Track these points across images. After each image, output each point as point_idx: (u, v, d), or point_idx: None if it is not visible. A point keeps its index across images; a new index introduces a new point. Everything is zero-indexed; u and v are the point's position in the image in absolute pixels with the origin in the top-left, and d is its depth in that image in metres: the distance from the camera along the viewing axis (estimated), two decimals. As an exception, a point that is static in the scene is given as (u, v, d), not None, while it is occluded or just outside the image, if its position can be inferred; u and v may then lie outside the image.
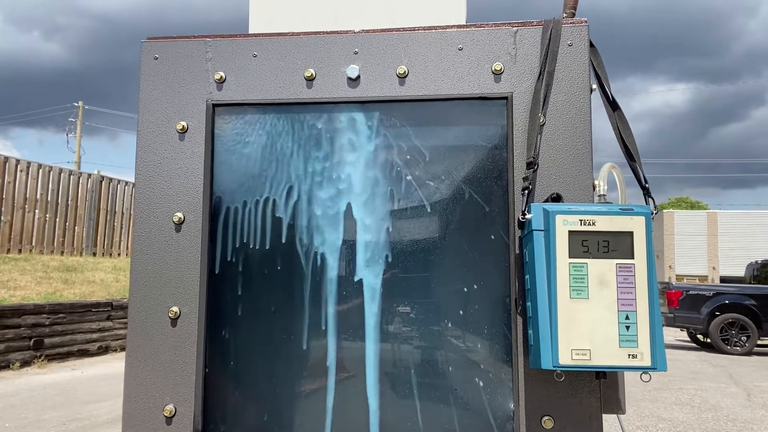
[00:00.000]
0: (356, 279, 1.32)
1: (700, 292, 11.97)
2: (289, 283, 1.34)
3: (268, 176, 1.37)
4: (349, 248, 1.32)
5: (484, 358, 1.27)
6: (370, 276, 1.31)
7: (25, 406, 5.64)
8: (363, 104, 1.34)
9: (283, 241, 1.34)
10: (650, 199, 1.20)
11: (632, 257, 1.11)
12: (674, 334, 15.06)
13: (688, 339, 13.38)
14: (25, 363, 7.60)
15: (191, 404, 1.29)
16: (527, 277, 1.19)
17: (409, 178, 1.33)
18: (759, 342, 11.76)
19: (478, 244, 1.30)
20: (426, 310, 1.30)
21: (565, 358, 1.10)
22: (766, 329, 11.47)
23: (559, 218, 1.12)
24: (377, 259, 1.32)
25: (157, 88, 1.38)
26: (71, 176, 13.37)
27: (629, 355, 1.09)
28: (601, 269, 1.11)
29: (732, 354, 11.34)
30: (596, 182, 1.27)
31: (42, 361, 7.75)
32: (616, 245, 1.12)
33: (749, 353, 11.46)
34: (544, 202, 1.22)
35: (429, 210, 1.32)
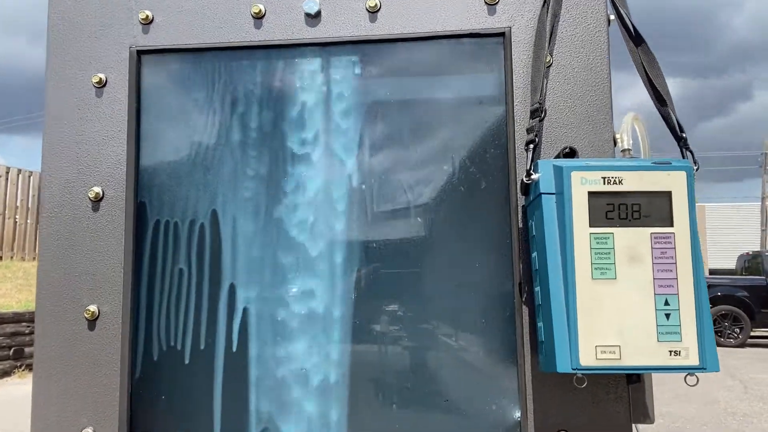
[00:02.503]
0: (322, 264, 1.05)
1: (693, 285, 11.77)
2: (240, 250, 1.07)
3: (207, 140, 1.10)
4: (311, 227, 1.06)
5: (480, 360, 1.02)
6: (343, 262, 1.05)
7: (4, 417, 5.32)
8: (324, 47, 1.08)
9: (229, 218, 1.07)
10: (688, 153, 0.95)
11: (671, 224, 0.86)
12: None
13: (681, 332, 13.21)
14: (5, 373, 7.25)
15: (114, 428, 1.02)
16: (534, 255, 0.93)
17: (382, 139, 1.07)
18: (752, 333, 11.64)
19: (470, 218, 1.04)
20: (407, 304, 1.04)
21: (588, 358, 0.84)
22: (759, 321, 11.35)
23: (575, 176, 0.86)
24: (347, 242, 1.05)
25: (69, 33, 1.11)
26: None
27: (671, 351, 0.84)
28: (632, 241, 0.86)
29: (725, 346, 11.20)
30: (617, 136, 1.01)
31: (22, 371, 7.40)
32: (650, 209, 0.86)
33: (743, 345, 11.33)
34: (555, 158, 0.96)
35: (409, 179, 1.06)
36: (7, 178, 11.79)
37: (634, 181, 0.86)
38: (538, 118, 0.95)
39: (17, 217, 12.02)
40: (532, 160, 0.94)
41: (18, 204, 12.11)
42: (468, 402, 1.01)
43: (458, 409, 1.01)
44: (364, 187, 1.06)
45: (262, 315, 1.05)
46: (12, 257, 11.71)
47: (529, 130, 0.95)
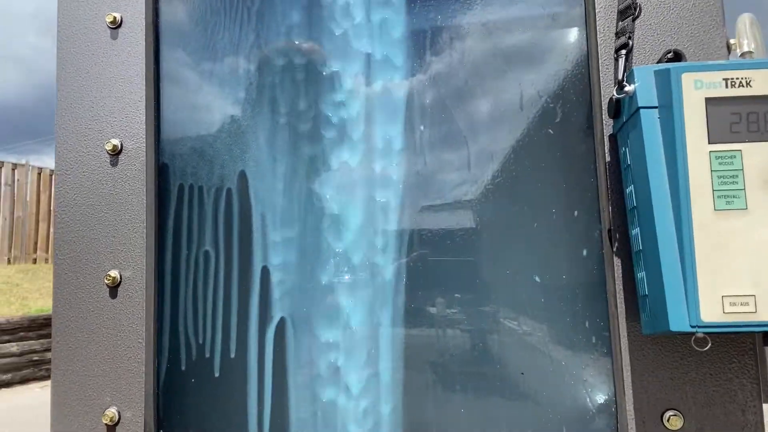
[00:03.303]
0: (371, 228, 0.90)
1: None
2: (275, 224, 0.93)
3: (238, 85, 0.96)
4: (359, 188, 0.91)
5: (561, 325, 0.83)
6: (396, 220, 0.89)
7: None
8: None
9: (267, 175, 0.94)
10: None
11: (820, 136, 0.65)
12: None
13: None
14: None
15: (141, 406, 0.90)
16: (630, 190, 0.74)
17: (437, 73, 0.90)
18: None
19: (544, 155, 0.85)
20: (473, 262, 0.86)
21: (712, 312, 0.64)
22: None
23: (687, 79, 0.67)
24: (401, 194, 0.89)
25: (79, -31, 0.99)
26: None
27: (826, 302, 0.63)
28: (767, 159, 0.65)
29: None
30: (731, 41, 0.80)
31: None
32: (791, 118, 0.66)
33: None
34: (658, 63, 0.77)
35: (465, 114, 0.88)
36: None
37: (767, 83, 0.66)
38: (630, 17, 0.75)
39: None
40: (624, 69, 0.74)
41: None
42: (548, 378, 0.83)
43: (536, 387, 0.83)
44: (422, 128, 0.90)
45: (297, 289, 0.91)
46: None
47: (619, 33, 0.76)
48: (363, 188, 0.91)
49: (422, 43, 0.91)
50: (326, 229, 0.92)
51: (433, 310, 0.87)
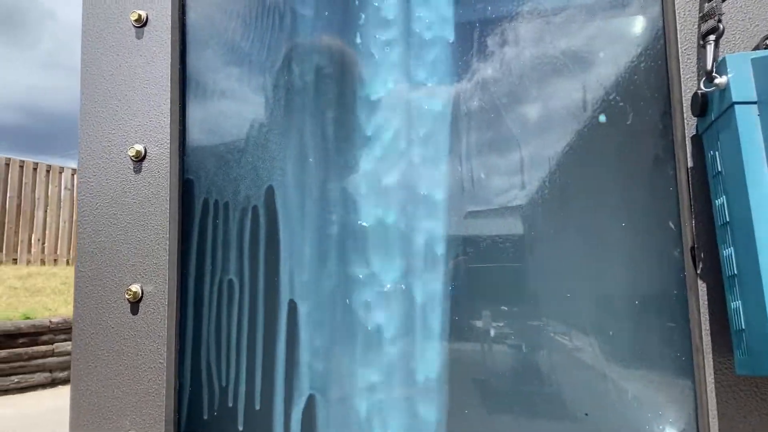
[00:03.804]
0: (416, 236, 0.80)
1: None
2: (305, 243, 0.84)
3: (266, 86, 0.89)
4: (401, 191, 0.82)
5: (634, 358, 0.72)
6: (441, 227, 0.79)
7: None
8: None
9: (296, 182, 0.86)
10: None
11: None
12: None
13: None
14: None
15: (161, 428, 0.83)
16: (720, 201, 0.62)
17: (492, 68, 0.80)
18: None
19: (613, 161, 0.74)
20: (531, 281, 0.76)
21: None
22: None
23: (799, 66, 0.54)
24: (450, 201, 0.80)
25: (105, -34, 0.94)
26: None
27: None
28: None
29: None
30: None
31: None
32: None
33: None
34: (754, 50, 0.64)
35: (524, 114, 0.78)
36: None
37: None
38: (720, -3, 0.63)
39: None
40: (714, 58, 0.62)
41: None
42: (618, 421, 0.71)
43: (604, 428, 0.71)
44: (468, 134, 0.80)
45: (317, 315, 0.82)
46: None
47: (706, 15, 0.64)
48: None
49: (471, 39, 0.82)
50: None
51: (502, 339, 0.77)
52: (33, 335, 5.69)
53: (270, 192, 0.87)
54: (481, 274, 0.77)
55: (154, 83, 0.90)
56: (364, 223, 0.82)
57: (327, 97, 0.86)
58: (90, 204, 0.90)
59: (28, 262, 8.02)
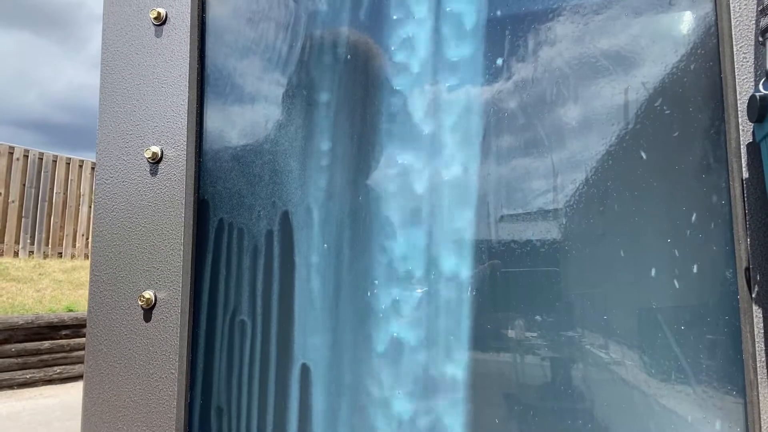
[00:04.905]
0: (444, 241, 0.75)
1: None
2: (329, 245, 0.80)
3: (290, 89, 0.85)
4: (432, 193, 0.77)
5: (679, 392, 0.65)
6: (468, 236, 0.74)
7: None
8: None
9: (320, 184, 0.82)
10: None
11: None
12: None
13: None
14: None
15: (171, 445, 0.81)
16: (781, 219, 0.55)
17: (520, 79, 0.74)
18: None
19: (657, 172, 0.67)
20: (556, 305, 0.70)
21: None
22: None
23: None
24: (485, 205, 0.74)
25: (126, -37, 0.92)
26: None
27: None
28: None
29: None
30: None
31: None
32: None
33: None
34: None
35: (558, 121, 0.72)
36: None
37: None
38: (784, -12, 0.56)
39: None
40: (775, 57, 0.55)
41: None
42: (657, 455, 0.64)
43: (641, 464, 0.65)
44: (494, 121, 0.74)
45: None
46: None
47: (766, 9, 0.57)
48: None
49: (502, 37, 0.76)
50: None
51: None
52: (75, 327, 5.88)
53: (291, 198, 0.83)
54: (511, 309, 0.71)
55: (172, 83, 0.87)
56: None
57: (351, 113, 0.82)
58: (106, 206, 0.88)
59: (73, 256, 8.28)
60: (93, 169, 8.59)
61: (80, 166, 8.37)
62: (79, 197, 8.40)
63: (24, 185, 7.73)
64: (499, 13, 0.76)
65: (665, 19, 0.69)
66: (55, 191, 8.04)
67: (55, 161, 8.05)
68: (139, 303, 0.84)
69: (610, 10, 0.71)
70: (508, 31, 0.75)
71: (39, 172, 7.87)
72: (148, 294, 0.83)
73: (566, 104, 0.72)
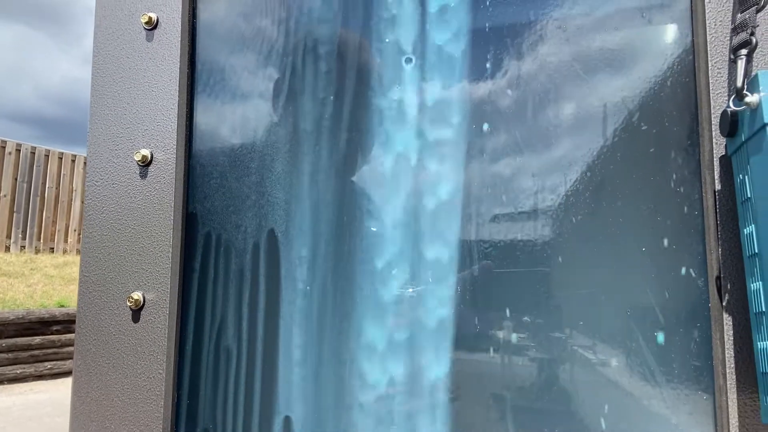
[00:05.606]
0: (430, 244, 0.77)
1: None
2: (314, 248, 0.82)
3: (279, 91, 0.86)
4: (413, 196, 0.78)
5: (650, 398, 0.67)
6: (452, 238, 0.76)
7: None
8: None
9: (305, 189, 0.83)
10: None
11: None
12: None
13: None
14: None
15: (158, 444, 0.82)
16: (749, 230, 0.57)
17: (507, 83, 0.76)
18: None
19: (634, 181, 0.69)
20: (537, 310, 0.71)
21: None
22: None
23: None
24: (466, 212, 0.76)
25: (118, -33, 0.93)
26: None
27: None
28: None
29: None
30: None
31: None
32: None
33: None
34: (791, 66, 0.59)
35: (542, 133, 0.73)
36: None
37: None
38: (753, 6, 0.58)
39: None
40: (746, 74, 0.57)
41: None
42: (630, 457, 0.66)
43: (614, 466, 0.66)
44: (486, 126, 0.76)
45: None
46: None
47: (738, 28, 0.59)
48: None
49: (494, 43, 0.77)
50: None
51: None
52: (66, 323, 5.86)
53: (279, 202, 0.84)
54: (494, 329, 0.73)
55: (162, 87, 0.88)
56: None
57: (344, 103, 0.83)
58: (96, 208, 0.89)
59: (65, 252, 8.25)
60: (86, 164, 8.55)
61: (73, 161, 8.34)
62: (72, 192, 8.36)
63: (16, 179, 7.70)
64: (479, 25, 0.78)
65: (643, 34, 0.71)
66: (47, 186, 8.00)
67: (48, 156, 8.01)
68: (128, 304, 0.85)
69: (588, 25, 0.73)
70: (489, 44, 0.76)
71: (31, 166, 7.83)
72: (137, 295, 0.84)
73: (544, 116, 0.73)
